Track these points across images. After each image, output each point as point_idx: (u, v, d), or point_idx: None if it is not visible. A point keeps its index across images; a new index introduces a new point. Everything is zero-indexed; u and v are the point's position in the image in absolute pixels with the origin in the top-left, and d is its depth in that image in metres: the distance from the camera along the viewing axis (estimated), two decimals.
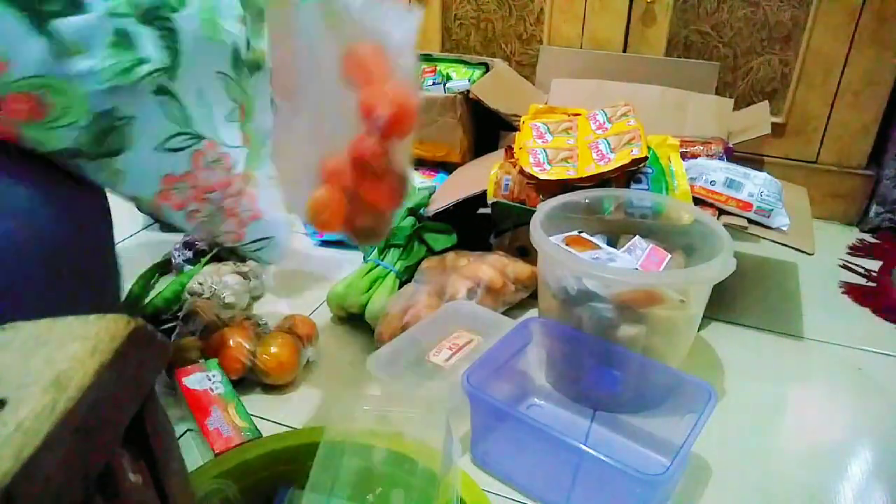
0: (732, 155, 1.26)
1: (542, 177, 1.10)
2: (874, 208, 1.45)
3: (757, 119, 1.33)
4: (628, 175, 1.10)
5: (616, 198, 1.06)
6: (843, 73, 1.38)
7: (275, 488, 0.67)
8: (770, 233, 1.07)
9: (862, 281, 1.28)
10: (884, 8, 1.30)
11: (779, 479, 0.82)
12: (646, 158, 1.07)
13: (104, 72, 0.40)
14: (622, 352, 0.85)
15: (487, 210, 1.18)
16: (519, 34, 1.59)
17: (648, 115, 1.19)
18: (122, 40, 0.40)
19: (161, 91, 0.43)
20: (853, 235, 1.45)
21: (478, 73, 1.50)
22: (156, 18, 0.42)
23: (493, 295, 1.08)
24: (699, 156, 1.18)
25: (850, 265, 1.33)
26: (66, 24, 0.38)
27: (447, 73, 1.51)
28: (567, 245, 0.96)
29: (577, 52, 1.52)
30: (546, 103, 1.37)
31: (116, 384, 0.22)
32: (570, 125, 1.22)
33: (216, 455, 0.75)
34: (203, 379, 0.85)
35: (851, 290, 1.24)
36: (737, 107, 1.38)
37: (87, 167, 0.44)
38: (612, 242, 1.03)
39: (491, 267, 1.09)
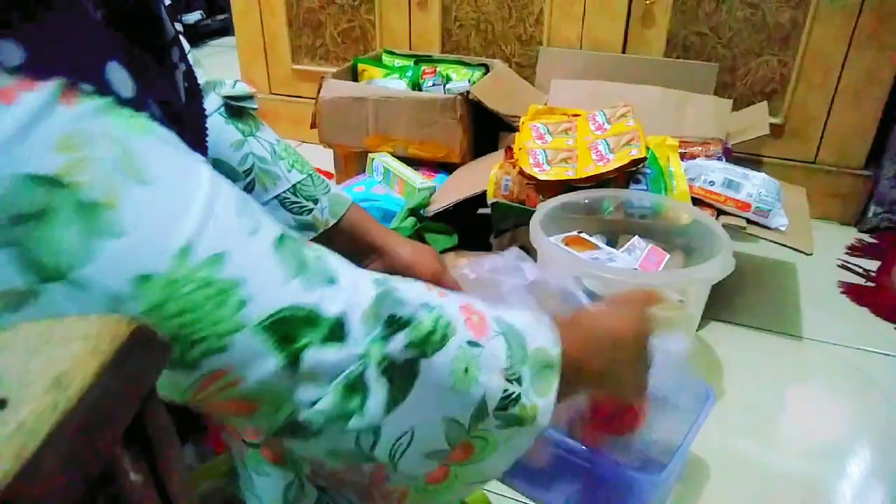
0: (731, 155, 1.26)
1: (542, 177, 1.10)
2: (872, 208, 1.45)
3: (756, 120, 1.33)
4: (627, 175, 1.10)
5: (615, 198, 1.06)
6: (841, 73, 1.38)
7: None
8: (769, 233, 1.07)
9: (860, 281, 1.28)
10: (883, 8, 1.30)
11: (778, 478, 0.83)
12: (645, 159, 1.07)
13: (322, 413, 0.35)
14: None
15: (487, 210, 1.18)
16: (518, 35, 1.59)
17: (647, 116, 1.19)
18: (356, 386, 0.35)
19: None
20: (851, 235, 1.45)
21: (478, 74, 1.50)
22: (402, 368, 0.36)
23: None
24: (698, 156, 1.19)
25: (848, 265, 1.33)
26: (317, 357, 0.34)
27: (447, 75, 1.51)
28: (566, 245, 0.96)
29: (576, 53, 1.52)
30: (545, 104, 1.37)
31: (117, 384, 0.22)
32: (570, 126, 1.22)
33: (217, 454, 0.75)
34: None
35: (850, 290, 1.24)
36: (735, 107, 1.38)
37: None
38: (612, 242, 1.03)
39: None
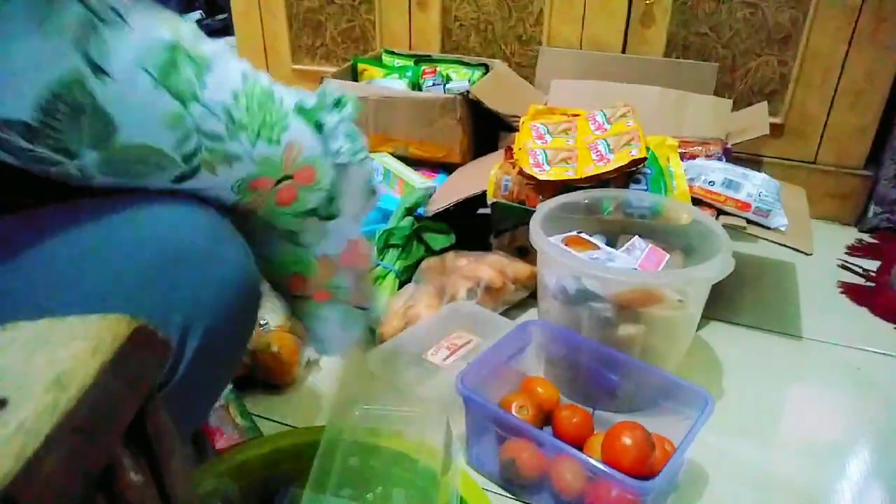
0: (731, 155, 1.26)
1: (542, 177, 1.10)
2: (872, 208, 1.45)
3: (755, 120, 1.33)
4: (627, 175, 1.10)
5: (615, 198, 1.06)
6: (841, 73, 1.38)
7: (275, 488, 0.68)
8: (768, 233, 1.07)
9: (860, 281, 1.28)
10: (883, 8, 1.30)
11: (777, 478, 0.83)
12: (645, 159, 1.07)
13: (345, 152, 0.60)
14: (621, 357, 0.85)
15: (487, 210, 1.18)
16: (518, 35, 1.59)
17: (647, 116, 1.19)
18: (352, 133, 0.60)
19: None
20: (851, 235, 1.45)
21: (477, 74, 1.50)
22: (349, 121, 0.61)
23: (492, 295, 1.08)
24: (698, 156, 1.19)
25: (848, 265, 1.33)
26: (330, 118, 0.59)
27: (447, 74, 1.51)
28: (566, 245, 0.96)
29: (576, 53, 1.52)
30: (545, 104, 1.37)
31: (118, 384, 0.22)
32: (570, 126, 1.22)
33: (217, 454, 0.75)
34: None
35: (850, 290, 1.24)
36: (735, 107, 1.38)
37: (309, 228, 0.62)
38: (611, 242, 1.03)
39: (490, 267, 1.10)
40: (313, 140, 0.57)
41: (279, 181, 0.56)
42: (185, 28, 0.51)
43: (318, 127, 0.58)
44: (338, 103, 0.60)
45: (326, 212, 0.61)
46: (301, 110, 0.57)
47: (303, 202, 0.59)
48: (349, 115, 0.60)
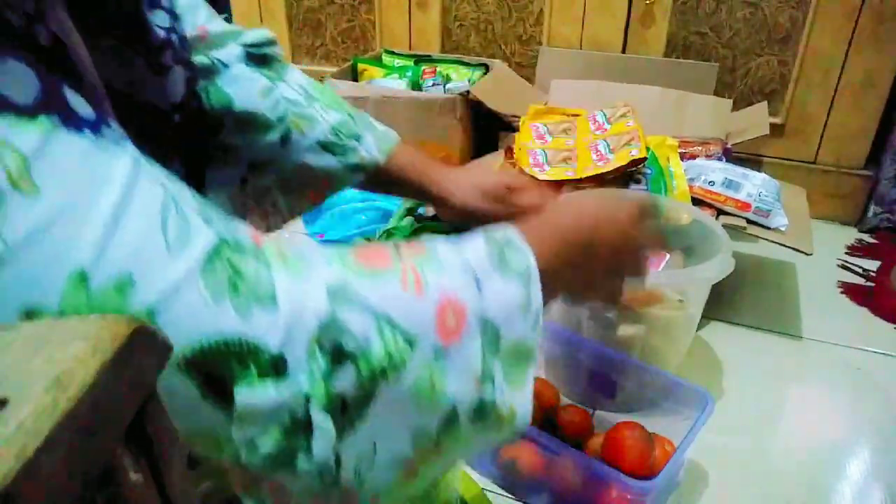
0: (731, 155, 1.26)
1: (542, 177, 1.10)
2: (872, 208, 1.45)
3: (755, 119, 1.33)
4: (627, 175, 1.10)
5: None
6: (841, 73, 1.38)
7: None
8: (768, 233, 1.07)
9: (860, 281, 1.28)
10: (883, 8, 1.30)
11: (777, 478, 0.83)
12: (645, 159, 1.07)
13: (264, 456, 0.31)
14: (621, 357, 0.85)
15: None
16: (518, 35, 1.59)
17: (647, 116, 1.19)
18: (299, 426, 0.31)
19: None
20: (851, 235, 1.45)
21: (477, 74, 1.50)
22: (354, 398, 0.32)
23: None
24: (698, 156, 1.19)
25: (848, 265, 1.33)
26: (252, 396, 0.29)
27: (447, 74, 1.51)
28: None
29: (576, 53, 1.52)
30: (545, 104, 1.37)
31: (118, 383, 0.22)
32: (570, 126, 1.22)
33: None
34: None
35: (850, 291, 1.24)
36: (735, 107, 1.38)
37: None
38: None
39: None
40: None
41: None
42: None
43: None
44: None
45: None
46: None
47: None
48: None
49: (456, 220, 0.70)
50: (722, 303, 1.13)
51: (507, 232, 0.42)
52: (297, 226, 1.29)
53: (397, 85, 1.47)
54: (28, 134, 0.26)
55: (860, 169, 1.45)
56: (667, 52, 1.48)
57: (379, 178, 0.66)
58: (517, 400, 0.39)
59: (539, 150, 1.16)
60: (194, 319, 0.28)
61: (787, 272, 1.30)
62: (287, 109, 0.61)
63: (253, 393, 0.29)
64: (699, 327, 1.02)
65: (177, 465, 0.27)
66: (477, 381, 0.36)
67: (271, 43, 0.63)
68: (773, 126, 1.40)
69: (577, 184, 1.08)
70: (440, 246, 0.38)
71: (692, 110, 1.29)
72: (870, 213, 1.46)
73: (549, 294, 0.41)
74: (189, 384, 0.28)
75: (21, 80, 0.27)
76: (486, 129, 1.42)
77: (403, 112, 1.35)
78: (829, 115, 1.42)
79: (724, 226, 0.99)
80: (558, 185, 1.09)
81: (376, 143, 0.66)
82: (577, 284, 0.49)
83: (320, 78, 1.44)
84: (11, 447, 0.18)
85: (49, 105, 0.27)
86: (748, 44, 1.43)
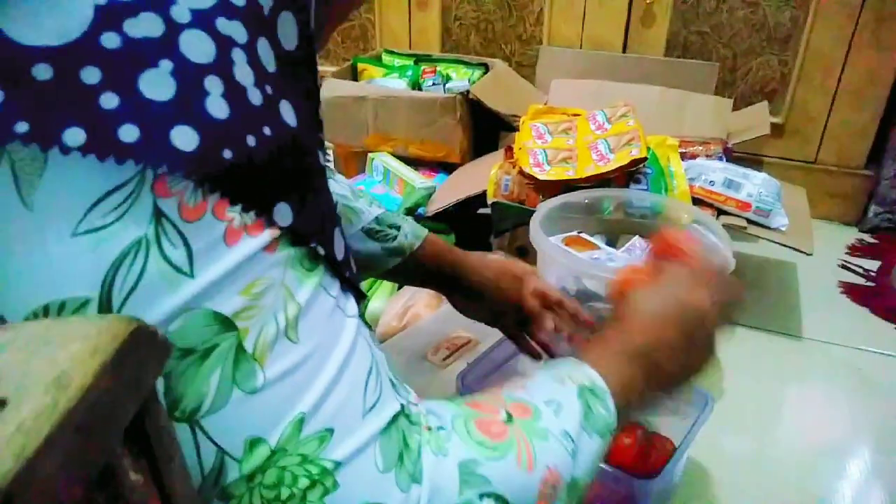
0: (731, 155, 1.26)
1: (542, 177, 1.10)
2: (873, 208, 1.45)
3: (756, 119, 1.33)
4: (628, 175, 1.10)
5: (615, 198, 1.06)
6: (842, 73, 1.38)
7: None
8: (769, 233, 1.07)
9: (861, 281, 1.28)
10: (883, 8, 1.30)
11: (777, 478, 0.83)
12: (645, 159, 1.07)
13: None
14: None
15: (487, 210, 1.18)
16: (519, 35, 1.59)
17: (648, 116, 1.19)
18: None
19: None
20: (852, 235, 1.45)
21: (477, 73, 1.50)
22: None
23: None
24: (698, 156, 1.19)
25: (848, 265, 1.33)
26: None
27: (447, 74, 1.51)
28: (566, 245, 0.96)
29: (576, 53, 1.52)
30: (546, 104, 1.37)
31: (117, 384, 0.22)
32: (570, 126, 1.22)
33: None
34: None
35: (850, 290, 1.24)
36: (736, 107, 1.38)
37: None
38: (612, 242, 1.03)
39: None
40: None
41: None
42: None
43: None
44: None
45: None
46: None
47: None
48: None
49: (479, 315, 0.76)
50: None
51: (591, 375, 0.44)
52: None
53: (397, 84, 1.47)
54: (306, 287, 0.32)
55: (860, 169, 1.45)
56: (667, 52, 1.48)
57: (413, 263, 0.71)
58: None
59: (539, 149, 1.16)
60: (366, 485, 0.32)
61: (788, 272, 1.30)
62: (338, 202, 0.67)
63: None
64: None
65: (177, 465, 0.27)
66: None
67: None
68: (773, 126, 1.40)
69: (577, 183, 1.08)
70: (543, 409, 0.40)
71: (692, 110, 1.29)
72: (870, 213, 1.46)
73: (634, 412, 0.45)
74: None
75: (342, 241, 0.34)
76: (486, 129, 1.42)
77: (403, 112, 1.35)
78: (829, 114, 1.42)
79: (725, 226, 0.99)
80: (558, 185, 1.09)
81: (414, 231, 0.72)
82: (666, 383, 0.49)
83: (320, 77, 1.44)
84: (11, 447, 0.18)
85: (346, 264, 0.33)
86: (748, 43, 1.43)
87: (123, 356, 0.22)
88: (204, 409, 0.29)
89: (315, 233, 0.32)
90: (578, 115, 1.26)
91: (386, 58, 1.60)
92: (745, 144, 1.29)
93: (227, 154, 0.29)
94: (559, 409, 0.41)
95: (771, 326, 1.12)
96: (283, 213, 0.31)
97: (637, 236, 1.00)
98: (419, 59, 1.57)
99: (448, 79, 1.50)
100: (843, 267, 1.33)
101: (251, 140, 0.30)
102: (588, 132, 1.18)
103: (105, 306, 0.28)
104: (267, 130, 0.30)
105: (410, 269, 0.72)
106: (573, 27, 1.52)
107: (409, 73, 1.50)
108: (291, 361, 0.31)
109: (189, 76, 0.28)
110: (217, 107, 0.29)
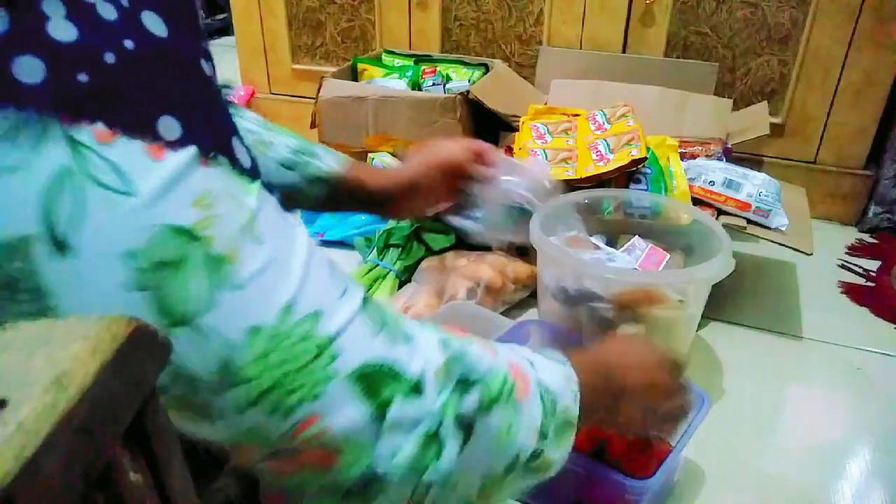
0: (731, 155, 1.26)
1: None
2: (873, 208, 1.45)
3: (756, 119, 1.33)
4: (627, 175, 1.10)
5: (615, 198, 1.06)
6: (841, 73, 1.38)
7: None
8: (769, 233, 1.07)
9: (860, 281, 1.28)
10: (883, 8, 1.30)
11: (776, 478, 0.83)
12: (645, 159, 1.07)
13: (400, 466, 0.36)
14: None
15: None
16: (518, 35, 1.59)
17: (647, 116, 1.19)
18: (433, 439, 0.37)
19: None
20: (852, 235, 1.45)
21: (477, 73, 1.50)
22: (468, 425, 0.39)
23: (492, 295, 1.08)
24: (698, 156, 1.19)
25: (848, 265, 1.33)
26: (401, 409, 0.36)
27: (447, 74, 1.51)
28: (566, 245, 0.96)
29: (576, 53, 1.52)
30: (545, 104, 1.37)
31: (117, 384, 0.22)
32: (570, 126, 1.22)
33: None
34: None
35: (850, 290, 1.24)
36: (736, 107, 1.38)
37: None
38: (612, 243, 1.03)
39: (490, 267, 1.10)
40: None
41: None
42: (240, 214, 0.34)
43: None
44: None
45: None
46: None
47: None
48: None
49: (412, 213, 0.83)
50: (722, 303, 1.13)
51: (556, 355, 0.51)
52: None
53: (397, 85, 1.47)
54: (251, 194, 0.34)
55: (860, 169, 1.45)
56: (667, 52, 1.48)
57: (341, 190, 0.72)
58: (558, 455, 0.46)
59: (539, 149, 1.16)
60: (362, 344, 0.36)
61: (788, 272, 1.30)
62: (247, 137, 0.66)
63: (402, 405, 0.36)
64: (699, 327, 1.02)
65: (177, 465, 0.27)
66: (537, 435, 0.44)
67: (225, 87, 0.67)
68: (773, 126, 1.40)
69: (577, 183, 1.08)
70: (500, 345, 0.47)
71: (692, 110, 1.29)
72: (870, 213, 1.46)
73: (585, 418, 0.48)
74: (357, 391, 0.35)
75: (244, 150, 0.35)
76: (486, 129, 1.42)
77: (403, 112, 1.35)
78: (829, 114, 1.42)
79: (724, 226, 0.99)
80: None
81: (334, 158, 0.72)
82: (610, 418, 0.56)
83: (320, 77, 1.44)
84: (11, 447, 0.18)
85: (255, 171, 0.35)
86: (748, 44, 1.43)
87: (123, 356, 0.22)
88: (196, 310, 0.31)
89: (212, 143, 0.33)
90: (578, 115, 1.26)
91: (386, 58, 1.60)
92: (745, 144, 1.29)
93: (83, 77, 0.28)
94: (515, 348, 0.48)
95: (770, 326, 1.12)
96: (170, 127, 0.31)
97: (637, 236, 1.00)
98: (419, 59, 1.57)
99: (448, 79, 1.50)
100: (843, 267, 1.33)
101: (109, 57, 0.29)
102: (588, 132, 1.19)
103: (54, 241, 0.28)
104: (129, 44, 0.30)
105: (343, 196, 0.73)
106: (573, 27, 1.52)
107: (409, 73, 1.50)
108: (261, 262, 0.33)
109: (21, 3, 0.27)
110: (62, 29, 0.28)
